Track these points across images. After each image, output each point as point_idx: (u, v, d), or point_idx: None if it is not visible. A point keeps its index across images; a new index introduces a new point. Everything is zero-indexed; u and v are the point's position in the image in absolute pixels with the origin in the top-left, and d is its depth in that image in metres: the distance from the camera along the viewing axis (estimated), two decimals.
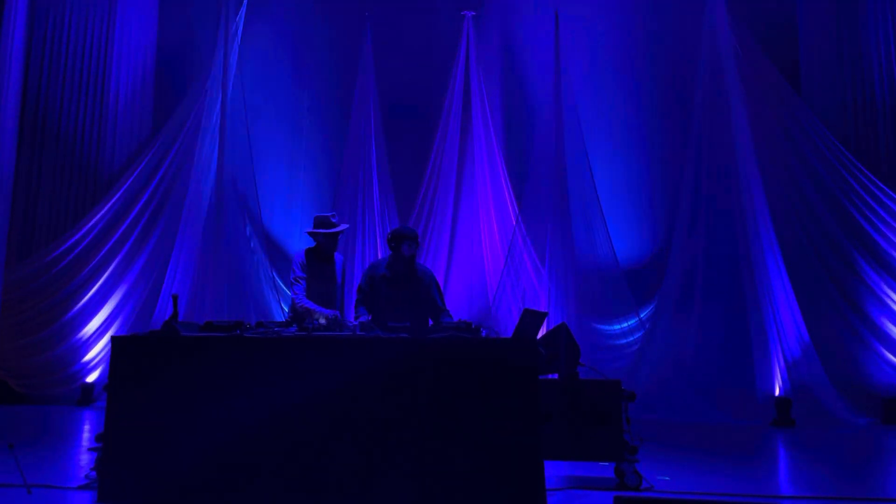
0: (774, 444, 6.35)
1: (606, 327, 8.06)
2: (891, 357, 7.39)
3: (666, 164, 8.60)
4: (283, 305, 8.21)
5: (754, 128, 7.97)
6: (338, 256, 5.17)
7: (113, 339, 3.82)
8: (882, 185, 7.65)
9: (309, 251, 5.06)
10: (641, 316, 8.04)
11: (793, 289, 7.57)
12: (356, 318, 4.77)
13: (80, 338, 8.53)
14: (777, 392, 7.35)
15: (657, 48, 8.72)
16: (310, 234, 5.05)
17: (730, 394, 7.44)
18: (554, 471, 4.55)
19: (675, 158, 8.46)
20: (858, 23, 8.09)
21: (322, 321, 4.23)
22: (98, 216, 8.66)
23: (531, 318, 4.03)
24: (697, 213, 8.01)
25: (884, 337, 7.46)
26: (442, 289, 5.20)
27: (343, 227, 5.08)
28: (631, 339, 7.98)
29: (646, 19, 8.76)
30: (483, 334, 4.09)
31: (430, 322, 4.79)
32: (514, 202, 8.42)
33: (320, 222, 5.00)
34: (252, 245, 8.65)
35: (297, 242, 5.25)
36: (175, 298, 4.08)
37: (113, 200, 8.69)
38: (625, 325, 8.04)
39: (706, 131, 8.07)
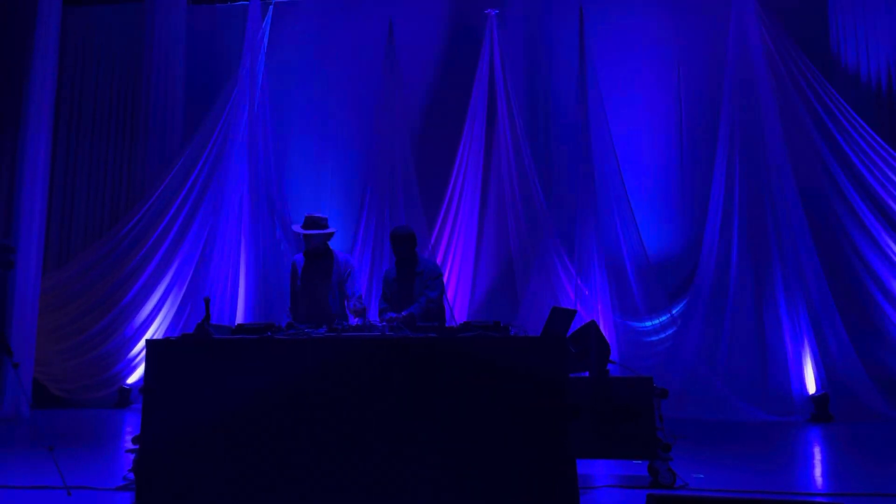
0: (812, 441, 6.23)
1: (637, 324, 7.98)
2: None
3: (696, 158, 8.48)
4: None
5: (785, 118, 7.84)
6: (340, 256, 5.18)
7: (147, 342, 3.88)
8: None
9: (305, 252, 5.16)
10: (673, 312, 7.94)
11: (827, 281, 7.44)
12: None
13: (117, 342, 8.70)
14: (814, 387, 7.21)
15: (684, 40, 8.59)
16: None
17: (765, 390, 7.32)
18: (586, 469, 4.52)
19: (705, 152, 8.34)
20: (889, 7, 7.93)
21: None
22: (132, 223, 8.83)
23: (560, 316, 4.01)
24: (729, 207, 7.90)
25: None
26: (444, 281, 5.26)
27: (313, 231, 5.02)
28: (662, 335, 7.89)
29: (672, 11, 8.65)
30: (512, 333, 4.08)
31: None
32: (541, 199, 8.37)
33: (303, 222, 5.07)
34: (282, 248, 8.76)
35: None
36: (207, 301, 4.13)
37: (146, 207, 8.85)
38: (656, 321, 7.95)
39: (737, 123, 7.96)
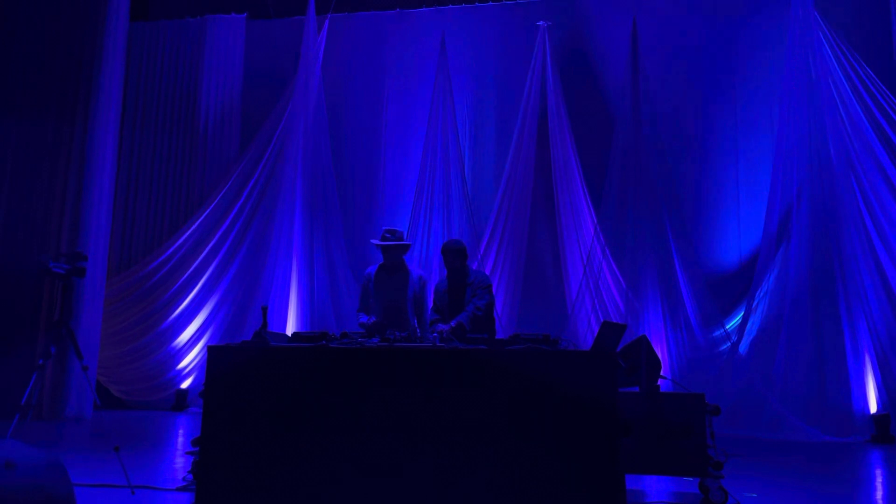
0: (872, 463, 6.04)
1: (689, 339, 7.86)
2: None
3: (752, 168, 8.35)
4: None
5: (847, 127, 7.65)
6: (413, 271, 5.27)
7: (209, 348, 4.02)
8: None
9: (381, 265, 5.24)
10: (727, 327, 7.80)
11: (888, 297, 7.21)
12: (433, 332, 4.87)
13: (174, 347, 8.98)
14: (875, 407, 6.99)
15: (739, 50, 8.48)
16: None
17: (823, 409, 7.13)
18: (636, 485, 4.49)
19: (761, 163, 8.20)
20: None
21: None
22: (190, 231, 9.12)
23: (610, 331, 4.00)
24: (786, 220, 7.74)
25: None
26: (493, 292, 5.25)
27: (391, 243, 5.09)
28: (716, 351, 7.76)
29: (727, 22, 8.53)
30: (562, 346, 4.09)
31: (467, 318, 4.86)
32: (592, 211, 8.33)
33: (381, 236, 5.15)
34: (334, 258, 8.91)
35: (379, 256, 5.38)
36: (264, 310, 4.25)
37: (204, 216, 9.13)
38: (709, 336, 7.83)
39: (795, 134, 7.80)
